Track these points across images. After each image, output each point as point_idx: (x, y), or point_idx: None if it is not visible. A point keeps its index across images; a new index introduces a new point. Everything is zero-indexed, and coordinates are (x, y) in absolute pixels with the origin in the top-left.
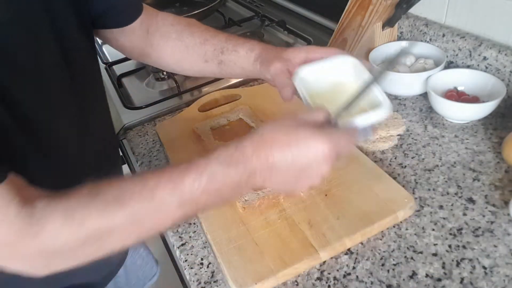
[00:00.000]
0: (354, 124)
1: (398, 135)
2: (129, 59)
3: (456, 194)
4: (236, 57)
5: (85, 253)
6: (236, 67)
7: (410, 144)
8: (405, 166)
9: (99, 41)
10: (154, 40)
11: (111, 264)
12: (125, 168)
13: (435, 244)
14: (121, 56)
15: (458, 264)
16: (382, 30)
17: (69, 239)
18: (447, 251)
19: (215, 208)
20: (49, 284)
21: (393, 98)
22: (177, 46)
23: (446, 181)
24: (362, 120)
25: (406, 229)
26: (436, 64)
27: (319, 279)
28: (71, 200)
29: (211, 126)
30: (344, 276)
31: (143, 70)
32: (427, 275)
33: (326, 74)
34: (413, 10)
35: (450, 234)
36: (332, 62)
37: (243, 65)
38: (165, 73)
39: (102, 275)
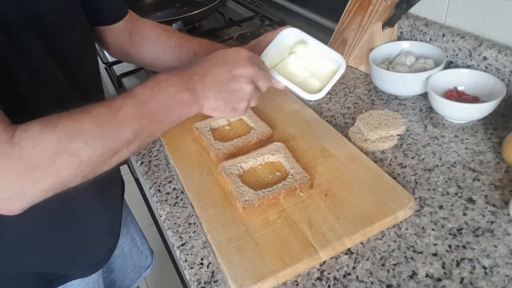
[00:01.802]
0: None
1: (398, 135)
2: None
3: (456, 194)
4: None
5: (63, 162)
6: None
7: (410, 144)
8: (405, 166)
9: None
10: (134, 41)
11: (101, 251)
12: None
13: (435, 244)
14: None
15: (458, 264)
16: (382, 30)
17: (45, 144)
18: (447, 251)
19: (172, 121)
20: (44, 267)
21: (393, 98)
22: (155, 47)
23: (446, 181)
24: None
25: (406, 229)
26: (436, 64)
27: (319, 279)
28: (47, 117)
29: (211, 126)
30: (344, 276)
31: (143, 70)
32: (427, 275)
33: (280, 50)
34: (413, 10)
35: (450, 234)
36: (278, 39)
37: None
38: None
39: (93, 261)
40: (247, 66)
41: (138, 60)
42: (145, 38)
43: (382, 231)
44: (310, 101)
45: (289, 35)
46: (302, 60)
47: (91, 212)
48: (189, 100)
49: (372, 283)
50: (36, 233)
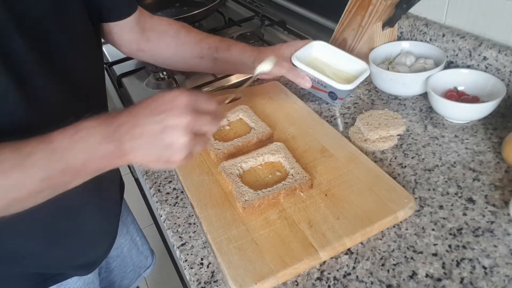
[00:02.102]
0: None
1: (398, 135)
2: (129, 59)
3: (456, 194)
4: (229, 55)
5: None
6: (229, 64)
7: (410, 144)
8: (405, 166)
9: None
10: (150, 36)
11: (97, 251)
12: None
13: (435, 244)
14: (121, 56)
15: (458, 264)
16: (382, 30)
17: None
18: (447, 251)
19: (90, 173)
20: (39, 267)
21: (393, 98)
22: (174, 42)
23: (446, 181)
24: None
25: (406, 229)
26: (436, 64)
27: (319, 279)
28: None
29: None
30: (344, 276)
31: (143, 70)
32: (427, 275)
33: (309, 55)
34: (413, 10)
35: (450, 234)
36: (308, 47)
37: (236, 62)
38: (164, 73)
39: (89, 261)
40: (182, 115)
41: (154, 57)
42: (163, 34)
43: (382, 231)
44: (335, 100)
45: (318, 45)
46: (329, 64)
47: (87, 213)
48: (114, 152)
49: (372, 283)
50: (32, 234)
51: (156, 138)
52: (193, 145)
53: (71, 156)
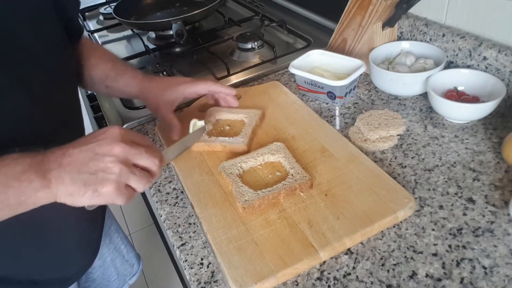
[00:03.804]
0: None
1: (398, 135)
2: (129, 59)
3: (456, 194)
4: (117, 85)
5: None
6: (120, 93)
7: (410, 144)
8: (405, 166)
9: (100, 42)
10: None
11: (74, 268)
12: None
13: (435, 244)
14: (121, 56)
15: (458, 264)
16: (382, 30)
17: None
18: (447, 251)
19: (10, 206)
20: (18, 278)
21: (393, 98)
22: (78, 64)
23: (446, 181)
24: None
25: (406, 229)
26: (436, 64)
27: (319, 279)
28: None
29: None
30: (344, 276)
31: (143, 70)
32: (427, 275)
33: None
34: (413, 10)
35: (450, 234)
36: (308, 55)
37: (124, 93)
38: (165, 73)
39: (65, 276)
40: (114, 143)
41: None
42: (78, 56)
43: (382, 231)
44: (335, 100)
45: (315, 54)
46: (328, 69)
47: (63, 231)
48: (37, 182)
49: (372, 283)
50: (4, 246)
51: (84, 166)
52: (126, 176)
53: None
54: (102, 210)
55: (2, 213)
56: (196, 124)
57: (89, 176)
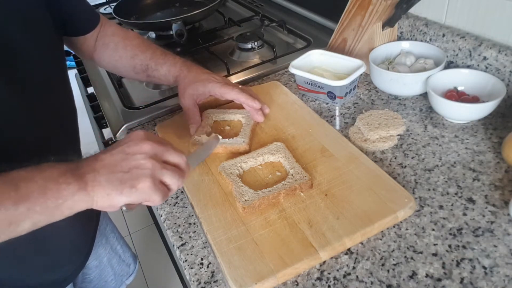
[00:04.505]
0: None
1: (398, 135)
2: None
3: (456, 194)
4: (158, 75)
5: None
6: (161, 81)
7: (410, 144)
8: (405, 166)
9: None
10: (97, 47)
11: (67, 270)
12: None
13: (435, 244)
14: None
15: (458, 264)
16: (382, 30)
17: None
18: (447, 251)
19: (46, 208)
20: (14, 282)
21: (393, 98)
22: (113, 56)
23: (446, 181)
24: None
25: (406, 229)
26: (436, 64)
27: (319, 279)
28: None
29: (210, 126)
30: (344, 276)
31: None
32: (427, 275)
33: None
34: (413, 10)
35: (450, 234)
36: (308, 55)
37: (165, 81)
38: None
39: (59, 278)
40: (141, 142)
41: (102, 66)
42: (105, 46)
43: (382, 231)
44: (335, 100)
45: (315, 53)
46: (328, 70)
47: (58, 233)
48: (74, 185)
49: (372, 283)
50: None
51: (117, 166)
52: (160, 171)
53: (29, 185)
54: (97, 210)
55: (39, 218)
56: (219, 139)
57: (123, 174)
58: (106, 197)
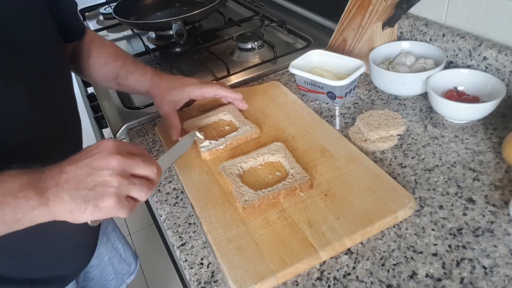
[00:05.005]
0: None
1: (398, 135)
2: None
3: (456, 194)
4: (127, 83)
5: None
6: (130, 90)
7: (410, 144)
8: (405, 166)
9: None
10: (74, 53)
11: (71, 267)
12: None
13: (435, 244)
14: None
15: (458, 264)
16: (382, 30)
17: None
18: (447, 251)
19: (5, 222)
20: (6, 280)
21: (393, 98)
22: (86, 62)
23: (446, 181)
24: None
25: (406, 229)
26: (436, 64)
27: (319, 279)
28: None
29: (198, 125)
30: (344, 276)
31: None
32: (427, 275)
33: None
34: (413, 10)
35: (450, 234)
36: (308, 55)
37: (135, 91)
38: None
39: (62, 275)
40: (109, 156)
41: (75, 72)
42: (80, 52)
43: (382, 231)
44: (335, 100)
45: (315, 53)
46: (328, 70)
47: (61, 229)
48: (34, 200)
49: (372, 283)
50: (1, 245)
51: (82, 182)
52: (126, 188)
53: None
54: None
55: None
56: (196, 135)
57: (88, 191)
58: (69, 214)
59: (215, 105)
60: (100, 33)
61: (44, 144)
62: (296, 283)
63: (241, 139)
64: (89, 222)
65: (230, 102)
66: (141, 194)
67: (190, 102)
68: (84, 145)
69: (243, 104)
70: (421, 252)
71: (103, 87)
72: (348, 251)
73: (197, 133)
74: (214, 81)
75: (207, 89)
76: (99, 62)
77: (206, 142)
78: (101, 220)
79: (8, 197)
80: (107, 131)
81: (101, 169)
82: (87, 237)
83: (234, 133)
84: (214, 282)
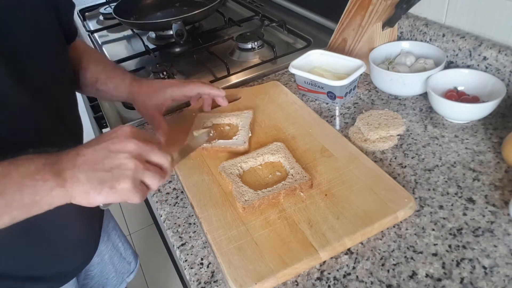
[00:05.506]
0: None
1: (398, 135)
2: (129, 59)
3: (456, 194)
4: (106, 88)
5: None
6: (108, 95)
7: (410, 144)
8: (405, 166)
9: (99, 42)
10: None
11: (73, 263)
12: None
13: (435, 244)
14: (121, 56)
15: (458, 264)
16: (382, 30)
17: None
18: (447, 251)
19: (24, 205)
20: (7, 277)
21: (393, 98)
22: (73, 66)
23: (446, 181)
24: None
25: (406, 229)
26: (436, 64)
27: (319, 279)
28: None
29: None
30: (344, 276)
31: (143, 70)
32: (427, 275)
33: (307, 63)
34: (413, 10)
35: (450, 234)
36: (308, 55)
37: (114, 96)
38: (165, 73)
39: (63, 271)
40: (126, 140)
41: None
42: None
43: (382, 231)
44: (335, 100)
45: (315, 53)
46: (328, 70)
47: (62, 227)
48: (51, 181)
49: (372, 283)
50: (2, 242)
51: (98, 164)
52: (141, 172)
53: (4, 181)
54: (100, 211)
55: (17, 213)
56: (211, 132)
57: (104, 173)
58: (85, 195)
59: (216, 105)
60: (100, 33)
61: (46, 144)
62: (296, 283)
63: (228, 148)
64: (101, 205)
65: (237, 99)
66: (153, 182)
67: (189, 103)
68: None
69: (224, 100)
70: (421, 252)
71: (84, 93)
72: (348, 251)
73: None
74: (194, 80)
75: (189, 87)
76: (82, 67)
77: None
78: (113, 203)
79: (26, 179)
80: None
81: (118, 152)
82: (89, 234)
83: (222, 141)
84: (214, 282)
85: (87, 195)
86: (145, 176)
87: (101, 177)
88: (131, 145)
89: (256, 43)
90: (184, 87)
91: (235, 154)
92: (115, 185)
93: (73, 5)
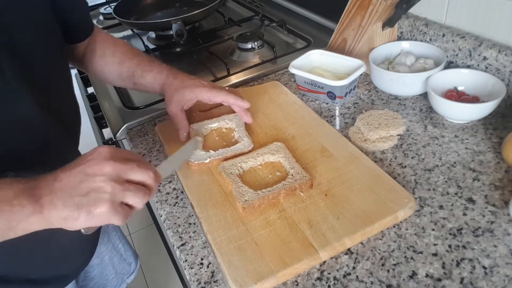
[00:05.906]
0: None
1: (398, 135)
2: None
3: (456, 194)
4: (144, 82)
5: None
6: (147, 89)
7: (410, 144)
8: (405, 166)
9: None
10: (85, 53)
11: (71, 266)
12: None
13: (435, 244)
14: None
15: (458, 264)
16: (382, 30)
17: None
18: (447, 251)
19: (4, 229)
20: (6, 281)
21: (393, 98)
22: (99, 62)
23: (446, 181)
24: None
25: (406, 229)
26: (436, 64)
27: (319, 279)
28: None
29: (211, 127)
30: (344, 276)
31: None
32: (427, 275)
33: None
34: (413, 10)
35: (450, 234)
36: (308, 55)
37: (151, 89)
38: None
39: (62, 274)
40: (103, 162)
41: (89, 72)
42: (93, 52)
43: (382, 231)
44: (335, 100)
45: (315, 53)
46: (328, 70)
47: (59, 231)
48: (28, 208)
49: (372, 283)
50: (1, 245)
51: (75, 189)
52: (120, 194)
53: None
54: None
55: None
56: (199, 141)
57: (81, 198)
58: (63, 221)
59: (216, 105)
60: None
61: (44, 144)
62: (296, 283)
63: (229, 156)
64: (82, 230)
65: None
66: (136, 200)
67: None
68: (83, 146)
69: (248, 116)
70: (421, 252)
71: (119, 86)
72: (348, 251)
73: (198, 139)
74: (227, 87)
75: (215, 93)
76: (114, 61)
77: (197, 151)
78: (95, 228)
79: (3, 205)
80: (107, 131)
81: (95, 175)
82: (88, 236)
83: (223, 149)
84: (214, 282)
85: (65, 221)
86: (126, 196)
87: (78, 202)
88: (108, 167)
89: (256, 43)
90: (211, 92)
91: (236, 154)
92: (92, 209)
93: (85, 3)
